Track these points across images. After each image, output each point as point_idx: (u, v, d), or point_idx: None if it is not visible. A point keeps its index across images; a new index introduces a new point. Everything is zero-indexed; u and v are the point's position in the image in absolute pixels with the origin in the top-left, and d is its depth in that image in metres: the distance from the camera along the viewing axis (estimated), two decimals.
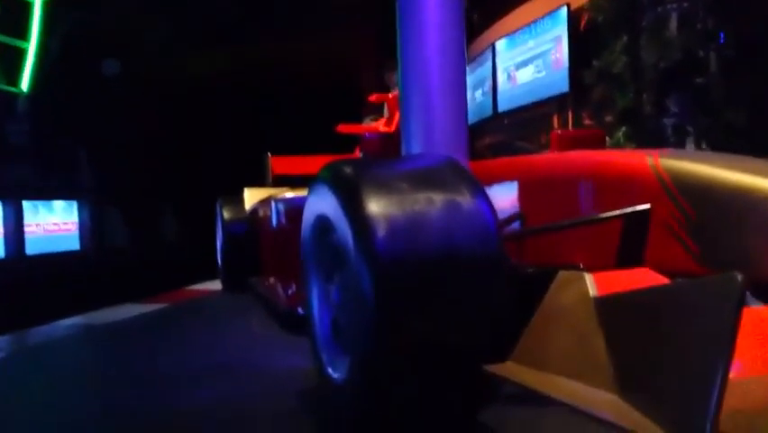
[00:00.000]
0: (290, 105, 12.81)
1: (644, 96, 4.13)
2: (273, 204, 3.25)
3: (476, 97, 7.86)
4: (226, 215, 4.70)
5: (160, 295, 4.51)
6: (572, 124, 5.91)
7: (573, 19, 5.59)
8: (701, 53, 3.80)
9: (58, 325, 3.49)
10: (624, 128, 4.08)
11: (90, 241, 11.13)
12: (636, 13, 4.25)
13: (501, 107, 7.04)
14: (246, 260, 4.48)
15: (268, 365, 2.32)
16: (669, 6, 3.92)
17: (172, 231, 13.51)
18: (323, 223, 1.57)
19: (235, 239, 4.55)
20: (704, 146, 3.78)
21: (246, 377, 2.18)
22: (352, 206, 1.32)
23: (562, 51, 5.85)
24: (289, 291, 3.03)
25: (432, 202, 1.34)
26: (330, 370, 1.56)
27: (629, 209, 1.56)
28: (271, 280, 3.54)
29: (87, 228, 11.11)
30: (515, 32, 6.78)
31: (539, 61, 6.20)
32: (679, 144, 3.88)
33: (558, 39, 5.93)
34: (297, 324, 2.46)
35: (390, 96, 4.18)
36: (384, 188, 1.33)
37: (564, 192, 1.74)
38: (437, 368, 1.29)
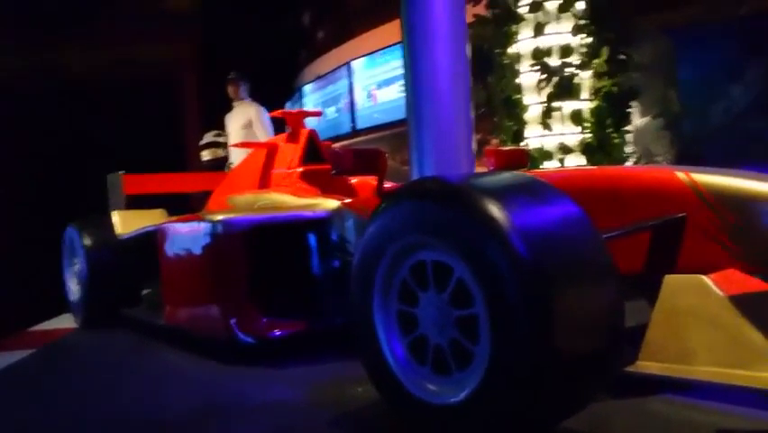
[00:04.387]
0: (105, 121, 11.69)
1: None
2: (202, 226, 3.00)
3: (328, 114, 7.96)
4: (88, 242, 4.23)
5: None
6: None
7: None
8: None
9: None
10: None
11: None
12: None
13: (360, 125, 7.23)
14: (118, 291, 4.11)
15: (265, 402, 2.16)
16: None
17: None
18: (407, 245, 1.55)
19: (104, 268, 4.13)
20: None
21: (259, 418, 2.01)
22: (486, 218, 1.33)
23: None
24: (231, 320, 2.83)
25: (550, 213, 1.41)
26: (422, 393, 1.53)
27: (666, 218, 1.76)
28: (187, 310, 3.26)
29: None
30: (374, 52, 7.03)
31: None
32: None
33: None
34: (243, 349, 2.59)
35: (295, 112, 4.12)
36: (505, 200, 1.37)
37: (601, 205, 1.90)
38: (583, 376, 1.35)
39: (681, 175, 1.77)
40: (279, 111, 4.58)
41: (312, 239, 2.95)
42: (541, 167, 4.34)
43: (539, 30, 4.50)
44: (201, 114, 11.03)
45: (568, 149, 4.39)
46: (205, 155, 6.38)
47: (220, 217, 2.90)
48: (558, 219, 1.41)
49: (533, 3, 4.52)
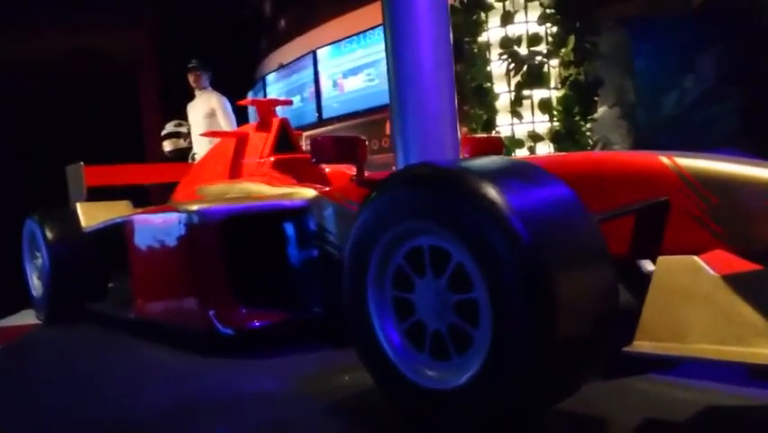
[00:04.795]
0: (63, 109, 11.30)
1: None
2: (178, 217, 2.93)
3: (293, 103, 7.84)
4: (51, 235, 4.11)
5: None
6: None
7: None
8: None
9: None
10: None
11: None
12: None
13: (327, 114, 7.18)
14: (83, 285, 4.01)
15: (253, 394, 2.13)
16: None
17: None
18: (402, 231, 1.54)
19: (69, 262, 4.02)
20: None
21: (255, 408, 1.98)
22: (485, 201, 1.33)
23: None
24: (210, 311, 2.78)
25: (546, 196, 1.43)
26: (420, 379, 1.53)
27: (650, 201, 1.80)
28: (162, 302, 3.19)
29: None
30: (340, 40, 6.97)
31: (371, 70, 6.49)
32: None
33: None
34: (222, 341, 2.60)
35: (265, 100, 4.06)
36: (503, 184, 1.38)
37: (586, 189, 1.93)
38: (582, 357, 1.37)
39: (664, 159, 1.81)
40: (249, 99, 4.49)
41: (290, 228, 2.91)
42: (513, 155, 4.39)
43: (507, 18, 4.53)
44: (159, 103, 10.77)
45: (538, 137, 4.45)
46: (167, 146, 6.23)
47: (196, 207, 2.84)
48: (554, 202, 1.42)
49: None
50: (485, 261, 1.35)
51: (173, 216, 2.90)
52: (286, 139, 3.80)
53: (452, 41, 2.14)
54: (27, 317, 4.43)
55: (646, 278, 1.61)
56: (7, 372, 2.93)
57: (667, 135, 5.88)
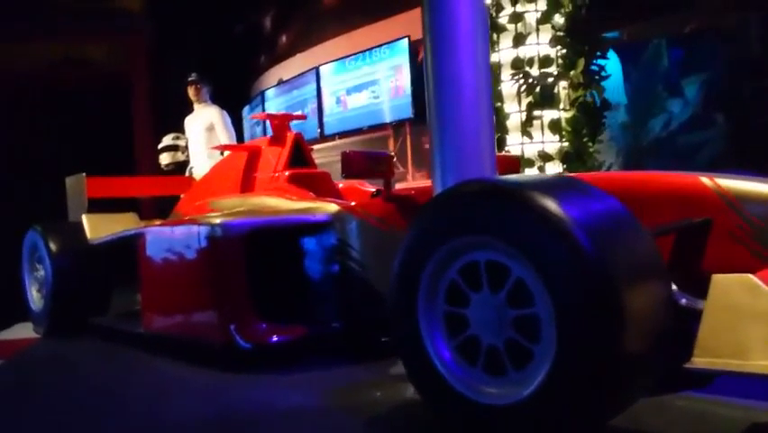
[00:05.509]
0: (53, 120, 11.21)
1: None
2: (200, 230, 2.90)
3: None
4: (55, 247, 4.06)
5: None
6: (411, 146, 6.35)
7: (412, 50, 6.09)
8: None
9: None
10: None
11: None
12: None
13: (329, 130, 7.19)
14: (87, 299, 3.95)
15: (286, 409, 2.10)
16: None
17: None
18: (457, 246, 1.55)
19: (73, 275, 3.97)
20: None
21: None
22: (548, 216, 1.35)
23: (404, 80, 6.26)
24: (231, 326, 2.75)
25: (605, 211, 1.45)
26: (476, 395, 1.53)
27: (693, 221, 1.82)
28: (177, 316, 3.15)
29: None
30: (343, 58, 7.01)
31: (375, 88, 6.53)
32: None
33: (398, 68, 6.32)
34: (244, 355, 2.60)
35: (279, 115, 4.07)
36: (564, 199, 1.39)
37: (629, 207, 1.95)
38: (644, 371, 1.38)
39: (705, 180, 1.84)
40: (264, 114, 4.48)
41: (312, 242, 2.90)
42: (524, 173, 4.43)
43: (520, 40, 4.60)
44: (151, 116, 10.72)
45: (548, 156, 4.50)
46: (165, 158, 6.21)
47: (219, 221, 2.82)
48: (614, 217, 1.44)
49: (513, 14, 4.62)
50: (549, 275, 1.36)
51: (195, 229, 2.88)
52: (300, 154, 3.80)
53: (490, 59, 2.17)
54: (22, 331, 4.32)
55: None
56: (18, 387, 2.83)
57: (654, 158, 6.01)
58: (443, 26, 2.10)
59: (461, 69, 2.08)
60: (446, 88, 2.10)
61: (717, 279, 1.48)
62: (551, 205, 1.36)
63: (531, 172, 4.46)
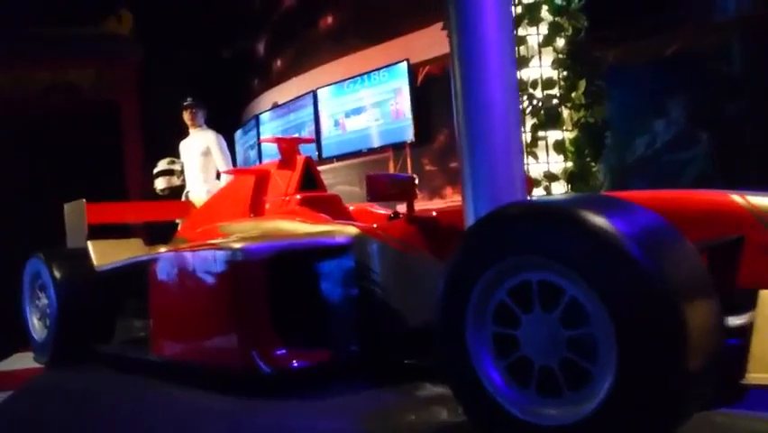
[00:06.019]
0: (39, 149, 11.10)
1: None
2: (220, 254, 2.88)
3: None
4: (60, 274, 4.01)
5: None
6: (412, 169, 6.39)
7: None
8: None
9: None
10: None
11: None
12: None
13: (327, 153, 7.21)
14: (93, 326, 3.89)
15: None
16: None
17: None
18: (507, 267, 1.56)
19: (79, 302, 3.91)
20: None
21: None
22: (605, 235, 1.36)
23: (404, 102, 6.32)
24: (252, 351, 2.73)
25: (655, 229, 1.47)
26: (530, 417, 1.52)
27: (725, 238, 1.85)
28: (194, 341, 3.11)
29: None
30: (341, 81, 7.06)
31: (375, 110, 6.58)
32: None
33: (398, 90, 6.38)
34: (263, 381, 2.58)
35: (288, 138, 4.08)
36: (616, 217, 1.41)
37: None
38: (703, 388, 1.39)
39: (737, 198, 1.87)
40: (272, 137, 4.49)
41: (331, 265, 2.89)
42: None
43: (523, 63, 4.68)
44: (142, 141, 10.69)
45: (554, 176, 4.56)
46: (160, 183, 6.16)
47: (240, 245, 2.80)
48: (664, 235, 1.46)
49: (515, 37, 4.70)
50: (607, 294, 1.37)
51: (215, 253, 2.86)
52: (310, 177, 3.81)
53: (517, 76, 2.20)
54: (22, 361, 4.22)
55: None
56: (31, 423, 2.71)
57: (639, 177, 6.11)
58: (471, 49, 2.13)
59: (490, 90, 2.11)
60: (476, 111, 2.12)
61: (765, 294, 1.51)
62: (604, 223, 1.38)
63: (537, 192, 4.51)
